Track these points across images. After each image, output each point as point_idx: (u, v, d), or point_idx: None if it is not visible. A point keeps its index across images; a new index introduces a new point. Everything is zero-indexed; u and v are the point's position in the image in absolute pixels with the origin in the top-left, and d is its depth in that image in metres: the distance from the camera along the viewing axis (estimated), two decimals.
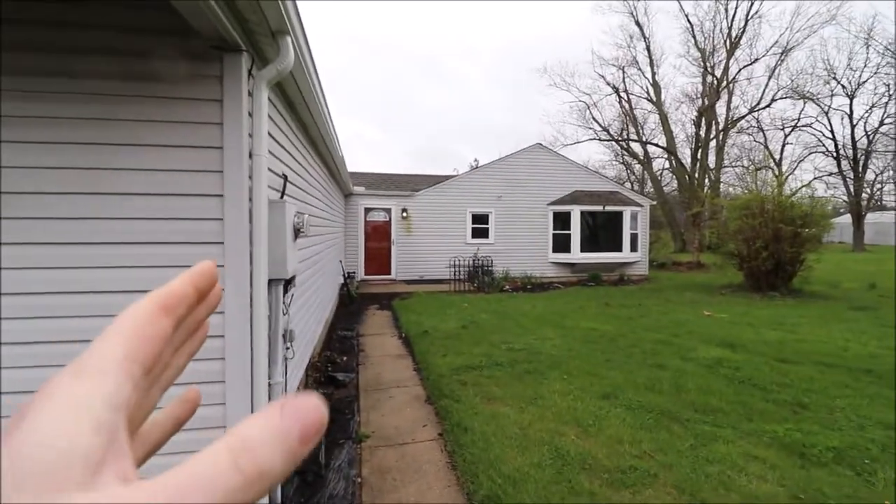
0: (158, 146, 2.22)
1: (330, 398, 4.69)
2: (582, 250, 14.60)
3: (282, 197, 3.11)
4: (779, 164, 30.37)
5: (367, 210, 14.02)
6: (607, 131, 30.30)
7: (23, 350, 2.11)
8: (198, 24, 2.06)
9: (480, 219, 14.77)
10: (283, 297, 3.00)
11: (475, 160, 42.27)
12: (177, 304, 0.27)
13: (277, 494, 2.67)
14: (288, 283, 3.06)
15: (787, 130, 30.23)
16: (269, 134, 2.71)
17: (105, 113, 2.17)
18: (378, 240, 14.15)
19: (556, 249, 14.85)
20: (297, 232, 3.01)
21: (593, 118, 30.84)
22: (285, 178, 3.22)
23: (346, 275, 11.20)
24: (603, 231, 14.80)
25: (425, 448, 3.68)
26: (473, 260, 13.79)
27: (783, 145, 31.36)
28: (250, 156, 2.33)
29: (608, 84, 29.86)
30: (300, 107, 3.77)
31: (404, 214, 14.20)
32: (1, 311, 2.08)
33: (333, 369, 5.57)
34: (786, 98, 28.00)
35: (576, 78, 56.83)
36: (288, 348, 3.17)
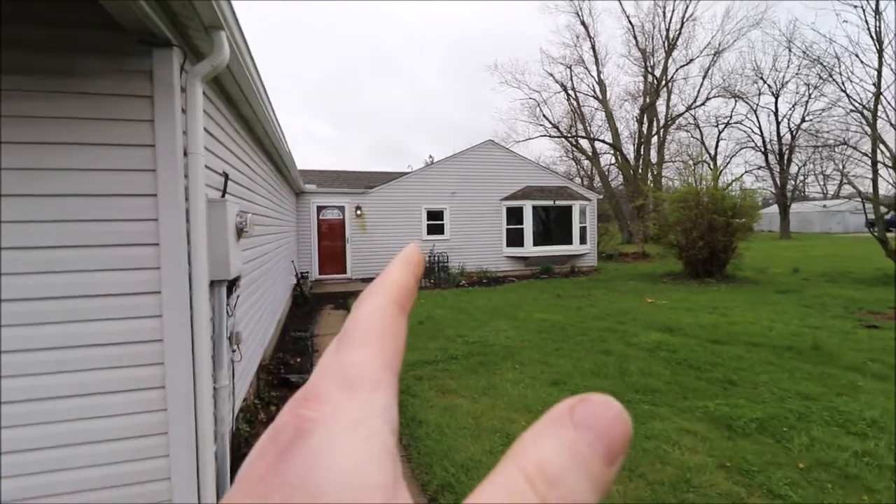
0: (88, 144, 2.11)
1: (283, 400, 4.61)
2: (535, 244, 15.00)
3: (223, 196, 3.03)
4: (714, 159, 32.46)
5: (320, 208, 13.73)
6: (557, 128, 31.20)
7: None
8: (123, 20, 1.97)
9: (435, 215, 14.84)
10: (228, 298, 2.92)
11: (430, 157, 42.33)
12: (407, 298, 0.24)
13: None
14: (232, 284, 2.99)
15: (721, 127, 32.35)
16: (207, 130, 2.63)
17: (31, 110, 2.04)
18: (332, 238, 13.91)
19: (510, 244, 15.17)
20: (241, 231, 2.94)
21: (543, 115, 31.69)
22: (226, 176, 3.13)
23: (299, 275, 10.95)
24: (554, 225, 15.27)
25: None
26: (430, 256, 13.85)
27: (717, 141, 33.55)
28: (185, 153, 2.26)
29: (557, 82, 30.73)
30: (241, 102, 3.67)
31: (358, 212, 14.03)
32: None
33: (286, 371, 5.47)
34: (719, 97, 29.95)
35: (526, 75, 57.93)
36: (234, 351, 3.10)
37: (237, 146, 3.82)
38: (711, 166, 22.07)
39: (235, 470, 2.58)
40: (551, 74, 31.25)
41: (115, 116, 2.13)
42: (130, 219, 2.15)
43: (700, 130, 32.04)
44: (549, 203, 14.99)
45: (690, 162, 20.68)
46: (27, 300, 2.07)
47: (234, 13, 2.36)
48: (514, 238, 15.10)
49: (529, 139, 40.76)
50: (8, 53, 2.02)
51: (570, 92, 30.71)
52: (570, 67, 30.38)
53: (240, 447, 3.25)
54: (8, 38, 2.03)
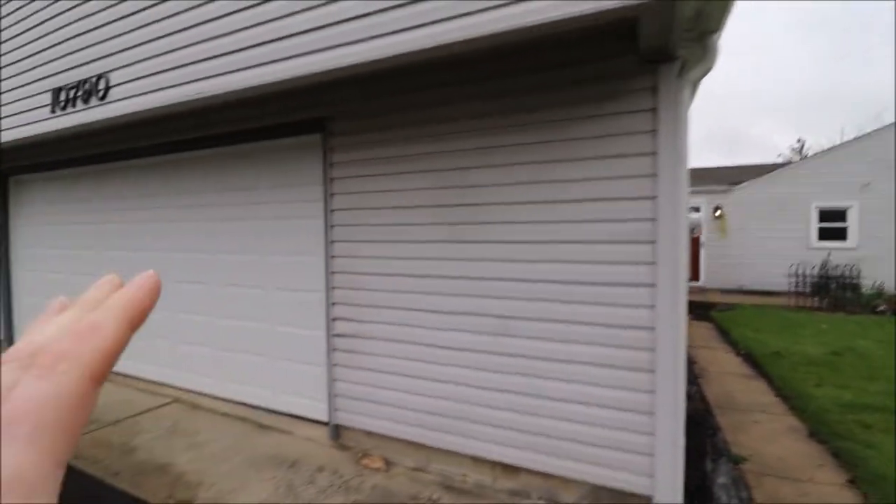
0: (591, 159, 2.55)
1: None
2: None
3: None
4: None
5: None
6: None
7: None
8: (648, 45, 2.26)
9: (832, 216, 11.44)
10: None
11: (799, 141, 33.35)
12: (108, 364, 0.22)
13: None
14: None
15: None
16: None
17: (543, 136, 2.65)
18: None
19: None
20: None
21: None
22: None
23: None
24: None
25: (834, 492, 3.04)
26: (822, 268, 10.79)
27: None
28: (681, 159, 2.41)
29: None
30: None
31: (717, 213, 12.39)
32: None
33: None
34: None
35: None
36: None
37: None
38: None
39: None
40: None
41: (616, 132, 2.48)
42: (629, 219, 2.46)
43: None
44: None
45: None
46: (545, 282, 2.68)
47: None
48: None
49: None
50: (541, 95, 2.65)
51: None
52: None
53: None
54: (541, 84, 2.66)
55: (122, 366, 4.94)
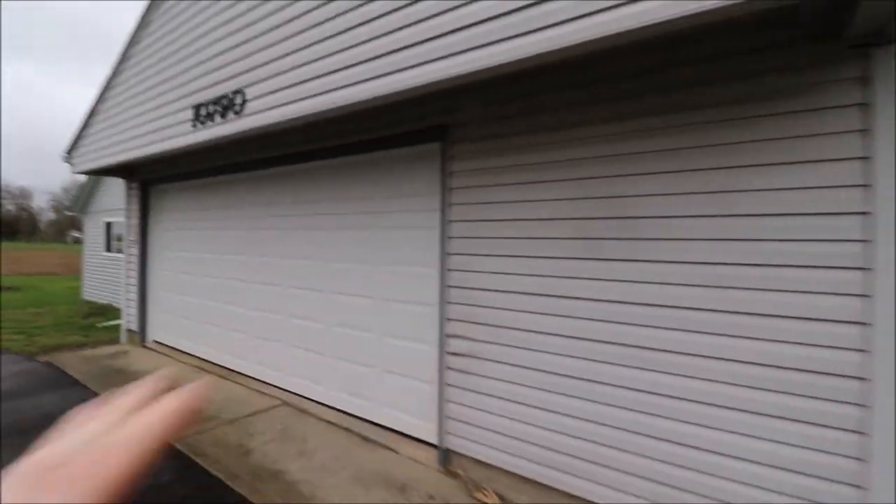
0: (782, 164, 2.12)
1: None
2: None
3: None
4: None
5: None
6: None
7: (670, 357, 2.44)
8: (860, 24, 1.81)
9: None
10: None
11: None
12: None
13: None
14: None
15: None
16: None
17: (724, 138, 2.25)
18: None
19: None
20: None
21: None
22: None
23: None
24: None
25: None
26: None
27: None
28: None
29: None
30: None
31: None
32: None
33: None
34: None
35: None
36: None
37: None
38: None
39: None
40: None
41: (822, 131, 2.03)
42: (834, 239, 1.99)
43: None
44: None
45: None
46: (705, 311, 2.27)
47: None
48: None
49: None
50: (715, 89, 2.27)
51: None
52: None
53: None
54: (713, 77, 2.28)
55: (238, 364, 5.21)
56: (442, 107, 3.21)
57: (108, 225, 10.88)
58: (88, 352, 6.37)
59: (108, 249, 10.89)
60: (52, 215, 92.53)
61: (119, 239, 10.55)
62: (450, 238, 3.17)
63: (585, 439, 2.62)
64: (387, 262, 3.80)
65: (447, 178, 3.18)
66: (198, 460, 3.35)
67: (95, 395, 4.66)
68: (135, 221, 6.76)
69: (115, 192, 10.57)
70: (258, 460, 3.36)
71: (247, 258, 5.10)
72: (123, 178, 6.83)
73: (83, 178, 11.08)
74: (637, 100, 2.48)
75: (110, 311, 9.99)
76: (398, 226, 3.71)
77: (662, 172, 2.39)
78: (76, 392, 4.74)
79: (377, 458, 3.41)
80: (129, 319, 6.86)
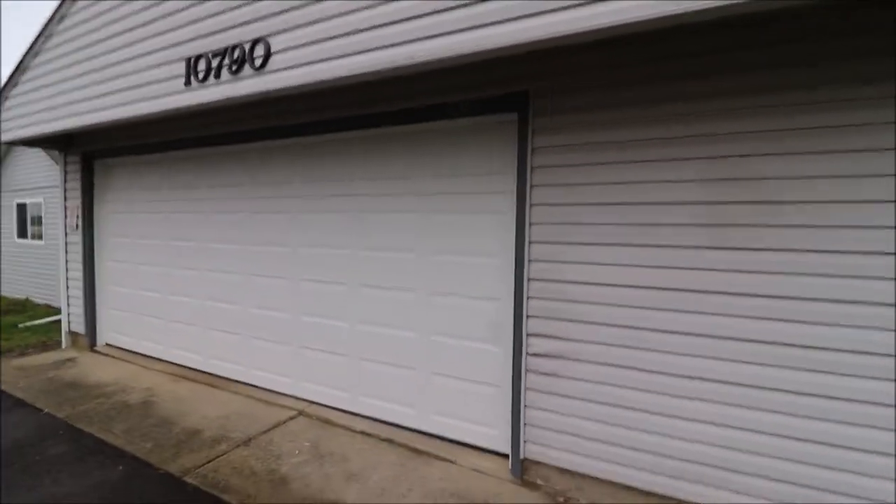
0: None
1: None
2: None
3: None
4: None
5: None
6: None
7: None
8: None
9: None
10: None
11: None
12: None
13: None
14: None
15: None
16: None
17: (870, 117, 2.05)
18: None
19: None
20: None
21: None
22: None
23: None
24: None
25: None
26: None
27: None
28: None
29: None
30: None
31: None
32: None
33: None
34: None
35: None
36: None
37: None
38: None
39: None
40: None
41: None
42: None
43: None
44: None
45: None
46: (866, 304, 2.10)
47: None
48: None
49: None
50: (848, 67, 2.05)
51: None
52: None
53: None
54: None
55: (229, 370, 4.51)
56: (522, 71, 2.76)
57: (22, 207, 9.16)
58: (23, 360, 5.24)
59: (23, 235, 9.20)
60: None
61: (37, 223, 8.93)
62: (531, 224, 2.77)
63: (706, 443, 2.40)
64: (436, 250, 3.32)
65: (530, 155, 2.76)
66: (224, 498, 2.74)
67: (52, 417, 3.77)
68: (74, 203, 5.60)
69: (30, 166, 8.90)
70: (301, 490, 2.82)
71: (242, 247, 4.35)
72: (57, 149, 5.62)
73: None
74: (768, 71, 2.21)
75: (30, 308, 8.48)
76: (454, 209, 3.23)
77: (809, 153, 2.15)
78: (27, 415, 3.81)
79: (440, 475, 3.00)
80: (72, 319, 5.74)
